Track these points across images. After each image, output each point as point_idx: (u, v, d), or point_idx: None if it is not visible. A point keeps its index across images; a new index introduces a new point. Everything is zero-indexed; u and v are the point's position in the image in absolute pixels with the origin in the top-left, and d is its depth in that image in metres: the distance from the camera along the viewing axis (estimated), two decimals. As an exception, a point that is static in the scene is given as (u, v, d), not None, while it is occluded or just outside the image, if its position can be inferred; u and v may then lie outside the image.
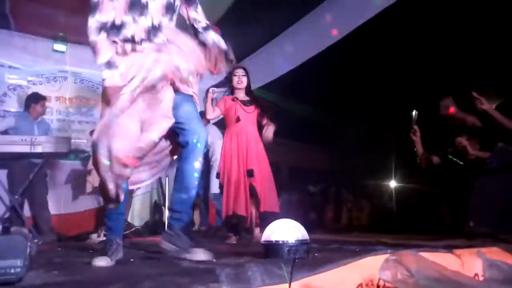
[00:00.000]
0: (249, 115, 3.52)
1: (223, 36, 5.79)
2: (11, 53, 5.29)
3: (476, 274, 1.80)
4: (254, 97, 3.62)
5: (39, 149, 4.22)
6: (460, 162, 3.72)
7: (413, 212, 5.31)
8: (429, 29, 4.79)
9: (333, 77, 5.75)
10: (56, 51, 5.53)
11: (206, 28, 2.23)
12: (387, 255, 1.54)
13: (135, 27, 1.99)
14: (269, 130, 3.44)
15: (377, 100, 5.88)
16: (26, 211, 4.62)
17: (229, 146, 3.48)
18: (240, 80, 3.55)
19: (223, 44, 2.21)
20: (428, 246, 2.03)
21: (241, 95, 3.58)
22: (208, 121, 3.87)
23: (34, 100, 4.70)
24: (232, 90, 3.60)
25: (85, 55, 5.70)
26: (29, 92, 5.04)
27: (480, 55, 4.59)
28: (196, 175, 2.07)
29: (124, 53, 1.98)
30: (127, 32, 1.99)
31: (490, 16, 4.35)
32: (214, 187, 5.11)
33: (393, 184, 6.36)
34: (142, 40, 2.00)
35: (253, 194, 3.34)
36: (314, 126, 6.46)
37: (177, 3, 2.15)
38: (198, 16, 2.24)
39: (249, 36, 5.66)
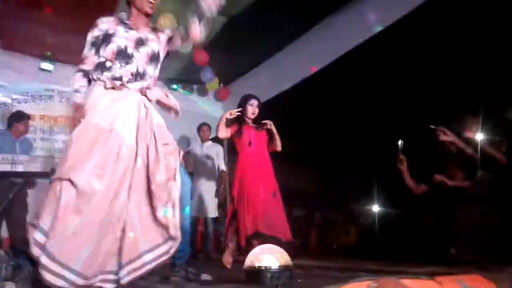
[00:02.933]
0: (261, 140, 3.65)
1: (212, 59, 5.84)
2: (-3, 71, 5.25)
3: (456, 302, 1.81)
4: (262, 124, 3.72)
5: (20, 168, 4.14)
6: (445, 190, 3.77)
7: (397, 238, 5.33)
8: (412, 57, 4.92)
9: (321, 101, 5.83)
10: (42, 69, 5.51)
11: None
12: (368, 282, 1.54)
13: (122, 71, 2.22)
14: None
15: (363, 125, 5.97)
16: (4, 232, 4.49)
17: (246, 168, 3.54)
18: (254, 111, 3.68)
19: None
20: (410, 273, 2.04)
21: (251, 121, 3.72)
22: (219, 139, 3.99)
23: (17, 119, 4.63)
24: (242, 117, 3.68)
25: (72, 74, 5.73)
26: (14, 110, 4.98)
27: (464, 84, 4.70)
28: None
29: (114, 87, 2.17)
30: (115, 73, 2.20)
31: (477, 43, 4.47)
32: (211, 212, 5.11)
33: (377, 209, 6.39)
34: (128, 81, 2.21)
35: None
36: (300, 150, 6.50)
37: (161, 54, 2.38)
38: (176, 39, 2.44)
39: (236, 60, 5.74)
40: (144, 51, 2.27)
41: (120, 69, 2.21)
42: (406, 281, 1.65)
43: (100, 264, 1.96)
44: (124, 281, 1.98)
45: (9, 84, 5.37)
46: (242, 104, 3.69)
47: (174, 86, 6.48)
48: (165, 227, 2.08)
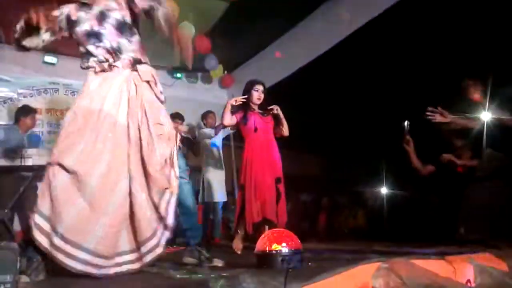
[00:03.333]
0: (267, 126, 3.60)
1: (214, 46, 5.77)
2: (1, 66, 5.27)
3: (468, 281, 1.82)
4: (268, 109, 3.66)
5: (29, 162, 4.18)
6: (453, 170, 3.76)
7: (405, 219, 5.34)
8: (417, 37, 4.85)
9: (326, 85, 5.79)
10: (46, 63, 5.52)
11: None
12: (379, 263, 1.55)
13: (99, 51, 2.17)
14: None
15: (369, 108, 5.93)
16: (16, 226, 4.56)
17: (253, 155, 3.51)
18: (260, 96, 3.61)
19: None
20: (420, 253, 2.05)
21: (257, 107, 3.65)
22: (224, 126, 3.88)
23: (24, 113, 4.66)
24: (248, 103, 3.61)
25: (76, 67, 5.72)
26: (20, 104, 5.00)
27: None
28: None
29: (103, 70, 2.16)
30: (99, 56, 2.17)
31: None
32: (220, 197, 5.15)
33: (385, 191, 6.40)
34: (108, 60, 2.16)
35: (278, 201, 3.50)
36: (306, 135, 6.49)
37: (128, 19, 2.21)
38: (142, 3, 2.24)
39: (239, 46, 5.71)
40: (109, 22, 2.17)
41: (96, 51, 2.16)
42: (417, 261, 1.66)
43: (115, 244, 1.97)
44: (147, 259, 2.03)
45: (14, 78, 5.40)
46: (248, 89, 3.64)
47: (179, 75, 6.46)
48: (161, 216, 2.09)
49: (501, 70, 3.32)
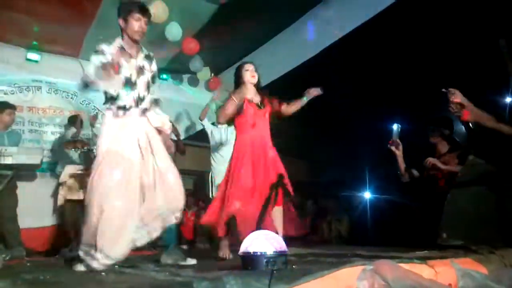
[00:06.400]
0: (264, 120, 3.32)
1: (202, 48, 5.79)
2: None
3: (449, 284, 1.83)
4: (263, 93, 3.40)
5: (9, 160, 4.08)
6: (435, 176, 3.80)
7: (387, 225, 5.38)
8: (405, 47, 4.89)
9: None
10: (29, 60, 5.41)
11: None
12: (364, 266, 1.55)
13: (127, 98, 2.61)
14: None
15: (354, 113, 5.97)
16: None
17: (246, 153, 3.17)
18: (253, 74, 3.35)
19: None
20: (403, 258, 2.06)
21: (252, 92, 3.34)
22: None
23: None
24: (239, 86, 3.32)
25: (60, 65, 5.65)
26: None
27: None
28: None
29: (117, 116, 2.60)
30: (120, 102, 2.60)
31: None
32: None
33: (368, 196, 6.45)
34: (131, 107, 2.63)
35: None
36: (293, 139, 6.50)
37: (151, 82, 2.77)
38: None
39: (227, 49, 5.70)
40: (143, 79, 2.67)
41: (125, 97, 2.60)
42: (400, 265, 1.66)
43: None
44: None
45: (-5, 75, 5.28)
46: (239, 72, 3.38)
47: (164, 76, 6.42)
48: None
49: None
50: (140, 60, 2.69)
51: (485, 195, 2.96)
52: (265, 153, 3.21)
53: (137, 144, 2.60)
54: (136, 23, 2.60)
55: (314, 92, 3.55)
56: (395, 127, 3.89)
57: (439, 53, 4.52)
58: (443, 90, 2.81)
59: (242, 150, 3.21)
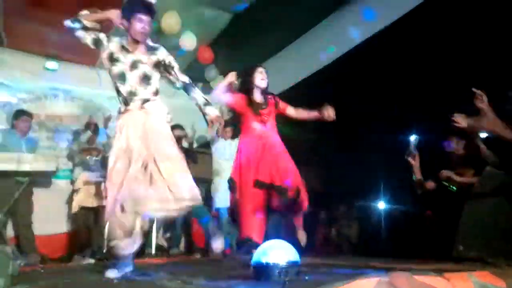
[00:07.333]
0: (269, 120, 3.23)
1: (216, 57, 5.81)
2: (1, 70, 5.26)
3: (466, 298, 1.79)
4: (268, 94, 3.32)
5: (26, 167, 4.15)
6: (452, 188, 3.76)
7: (402, 236, 5.30)
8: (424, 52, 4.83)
9: (325, 98, 5.77)
10: (47, 69, 5.52)
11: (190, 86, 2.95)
12: (379, 278, 1.53)
13: (122, 93, 2.61)
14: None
15: (368, 122, 5.93)
16: (9, 231, 4.51)
17: (248, 154, 3.12)
18: (264, 77, 3.26)
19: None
20: (418, 270, 2.02)
21: (258, 96, 3.27)
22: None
23: (15, 117, 4.67)
24: (248, 89, 3.25)
25: (77, 74, 5.75)
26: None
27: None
28: None
29: (120, 113, 2.65)
30: (120, 98, 2.65)
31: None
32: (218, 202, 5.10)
33: (382, 206, 6.36)
34: (126, 102, 2.62)
35: None
36: (304, 148, 6.47)
37: (153, 73, 2.68)
38: (177, 77, 2.85)
39: (241, 58, 5.72)
40: (136, 72, 2.61)
41: (122, 91, 2.60)
42: (416, 277, 1.63)
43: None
44: None
45: (14, 83, 5.39)
46: (250, 73, 3.25)
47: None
48: None
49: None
50: (139, 54, 2.64)
51: (503, 207, 2.90)
52: (270, 152, 3.12)
53: (136, 137, 2.55)
54: (139, 24, 2.56)
55: (329, 115, 3.31)
56: (412, 138, 3.91)
57: (456, 63, 4.47)
58: (473, 90, 2.69)
59: (246, 153, 3.14)
